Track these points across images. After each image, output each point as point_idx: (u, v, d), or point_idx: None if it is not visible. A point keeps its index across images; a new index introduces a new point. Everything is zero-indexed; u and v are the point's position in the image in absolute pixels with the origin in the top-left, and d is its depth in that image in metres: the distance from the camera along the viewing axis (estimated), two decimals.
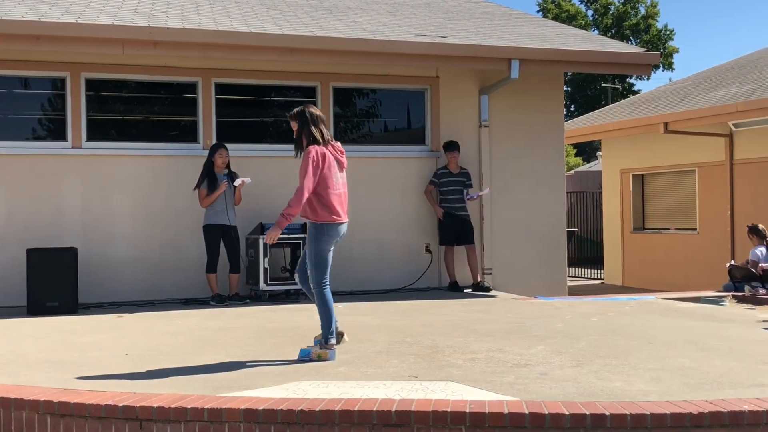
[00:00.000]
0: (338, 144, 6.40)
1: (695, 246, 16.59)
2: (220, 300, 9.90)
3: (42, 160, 10.21)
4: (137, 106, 10.91)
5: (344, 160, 6.39)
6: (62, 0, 10.46)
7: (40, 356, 6.49)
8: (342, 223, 6.29)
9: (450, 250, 11.24)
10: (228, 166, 10.16)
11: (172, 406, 4.56)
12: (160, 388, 5.13)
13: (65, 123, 10.32)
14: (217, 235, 9.95)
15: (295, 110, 6.34)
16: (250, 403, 4.54)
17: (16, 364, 6.13)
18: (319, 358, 6.11)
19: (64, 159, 10.28)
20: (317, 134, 6.21)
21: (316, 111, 6.30)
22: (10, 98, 10.38)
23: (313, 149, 6.15)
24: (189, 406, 4.54)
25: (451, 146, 11.28)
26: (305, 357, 6.13)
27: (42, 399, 4.81)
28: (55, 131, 10.41)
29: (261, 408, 4.46)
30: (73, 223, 10.25)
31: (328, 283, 6.27)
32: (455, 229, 11.18)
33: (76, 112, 10.31)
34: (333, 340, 6.18)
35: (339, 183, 6.28)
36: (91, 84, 10.47)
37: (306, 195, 6.11)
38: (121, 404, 4.63)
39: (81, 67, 10.30)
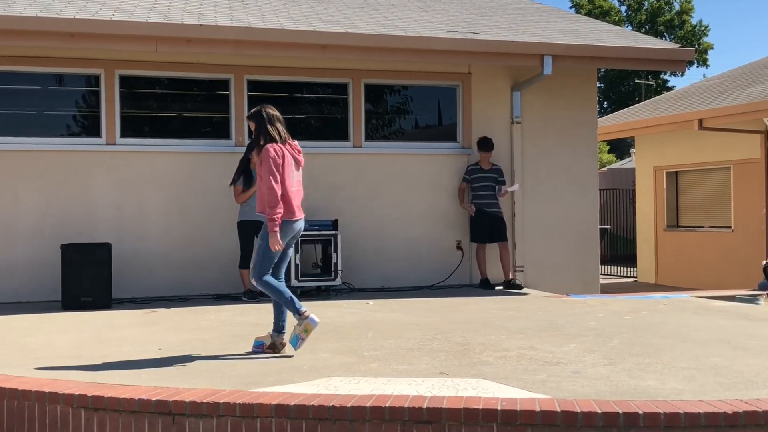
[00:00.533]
0: (296, 143, 6.52)
1: (730, 244, 16.40)
2: (252, 296, 9.95)
3: (76, 156, 10.32)
4: (170, 102, 10.99)
5: (301, 158, 6.51)
6: None
7: (74, 350, 6.56)
8: (297, 220, 6.38)
9: (481, 247, 11.20)
10: None
11: (205, 400, 4.60)
12: (193, 383, 5.17)
13: (99, 119, 10.43)
14: (252, 231, 9.97)
15: (253, 110, 6.51)
16: (281, 399, 4.57)
17: (50, 359, 6.20)
18: (306, 331, 6.18)
19: (98, 155, 10.39)
20: (274, 133, 6.35)
21: (272, 111, 6.46)
22: (45, 95, 10.49)
23: (271, 147, 6.28)
24: (221, 401, 4.57)
25: (481, 146, 11.20)
26: (294, 342, 6.20)
27: (76, 393, 4.86)
28: (89, 128, 10.52)
29: (292, 404, 4.48)
30: (107, 219, 10.35)
31: (269, 274, 6.34)
32: (487, 227, 11.14)
33: (110, 108, 10.41)
34: (303, 308, 6.22)
35: (294, 181, 6.39)
36: (124, 81, 10.56)
37: (277, 191, 6.17)
38: (154, 398, 4.67)
39: (115, 64, 10.40)
